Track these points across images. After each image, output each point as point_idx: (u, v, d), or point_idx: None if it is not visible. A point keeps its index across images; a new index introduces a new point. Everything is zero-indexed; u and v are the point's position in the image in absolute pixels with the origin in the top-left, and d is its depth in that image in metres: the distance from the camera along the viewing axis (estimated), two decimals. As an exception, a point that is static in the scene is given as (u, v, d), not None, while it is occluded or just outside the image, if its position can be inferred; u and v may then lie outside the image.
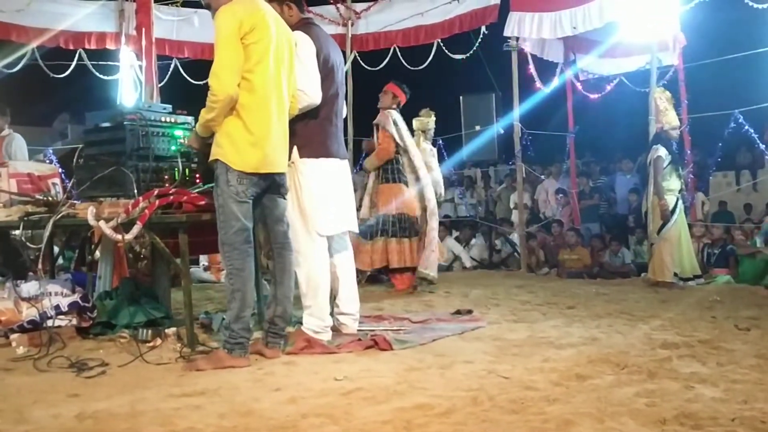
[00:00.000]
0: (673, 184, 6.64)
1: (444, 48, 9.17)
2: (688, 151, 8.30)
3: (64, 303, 4.16)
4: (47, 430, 2.41)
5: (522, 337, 3.99)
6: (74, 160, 4.20)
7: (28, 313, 4.11)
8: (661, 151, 6.62)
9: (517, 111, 8.51)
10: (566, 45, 9.26)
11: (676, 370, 3.11)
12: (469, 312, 4.90)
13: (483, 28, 8.79)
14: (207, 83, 3.36)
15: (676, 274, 6.63)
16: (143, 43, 5.40)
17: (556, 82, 9.29)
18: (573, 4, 7.74)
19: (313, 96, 3.73)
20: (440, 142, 10.15)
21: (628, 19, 7.65)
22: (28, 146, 10.86)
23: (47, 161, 11.29)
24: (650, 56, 7.85)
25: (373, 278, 7.58)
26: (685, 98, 8.18)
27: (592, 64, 9.63)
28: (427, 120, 7.44)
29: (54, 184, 4.85)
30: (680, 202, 6.73)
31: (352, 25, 9.63)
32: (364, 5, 9.63)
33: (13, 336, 4.00)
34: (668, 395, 2.72)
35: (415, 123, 7.36)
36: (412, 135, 6.85)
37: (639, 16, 7.54)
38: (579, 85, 9.53)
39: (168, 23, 9.29)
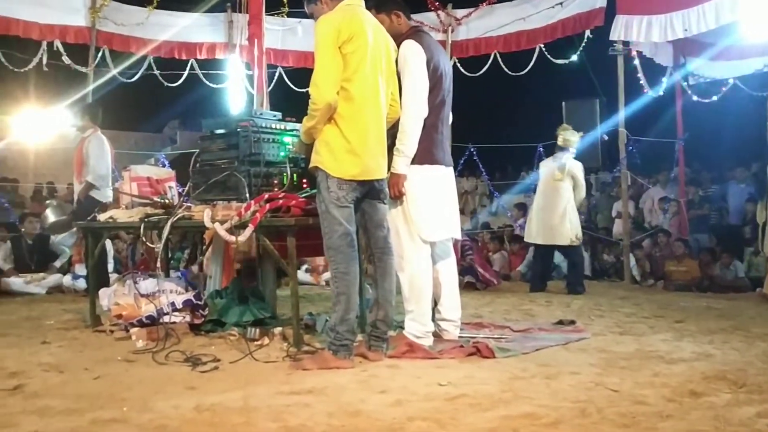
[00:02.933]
0: None
1: (546, 52, 9.02)
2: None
3: (178, 300, 4.39)
4: (170, 419, 2.55)
5: (629, 350, 3.86)
6: (191, 165, 4.42)
7: (147, 309, 4.36)
8: None
9: (623, 117, 8.25)
10: (676, 48, 8.89)
11: (801, 392, 2.93)
12: (572, 322, 4.79)
13: (587, 32, 8.60)
14: (308, 91, 3.47)
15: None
16: (255, 52, 5.63)
17: (664, 87, 8.92)
18: (685, 6, 7.43)
19: (419, 106, 3.76)
20: (540, 148, 10.00)
21: (745, 19, 7.27)
22: (138, 150, 11.51)
23: (160, 165, 11.97)
24: (769, 58, 7.43)
25: (470, 285, 7.59)
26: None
27: (704, 67, 9.18)
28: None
29: (170, 187, 5.13)
30: None
31: (453, 31, 9.64)
32: (464, 11, 9.62)
33: (133, 330, 4.26)
34: (794, 418, 2.56)
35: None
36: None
37: (758, 16, 7.14)
38: (689, 91, 9.11)
39: (274, 33, 9.62)
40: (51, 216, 6.58)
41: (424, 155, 3.83)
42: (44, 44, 8.82)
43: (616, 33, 8.00)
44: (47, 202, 7.63)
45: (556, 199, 7.23)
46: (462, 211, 12.96)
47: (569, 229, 7.20)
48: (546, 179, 7.37)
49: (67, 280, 7.54)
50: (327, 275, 7.52)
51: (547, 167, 7.46)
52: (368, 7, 3.74)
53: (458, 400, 2.79)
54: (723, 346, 3.98)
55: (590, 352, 3.83)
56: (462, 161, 10.96)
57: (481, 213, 12.76)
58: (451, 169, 4.09)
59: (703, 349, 3.85)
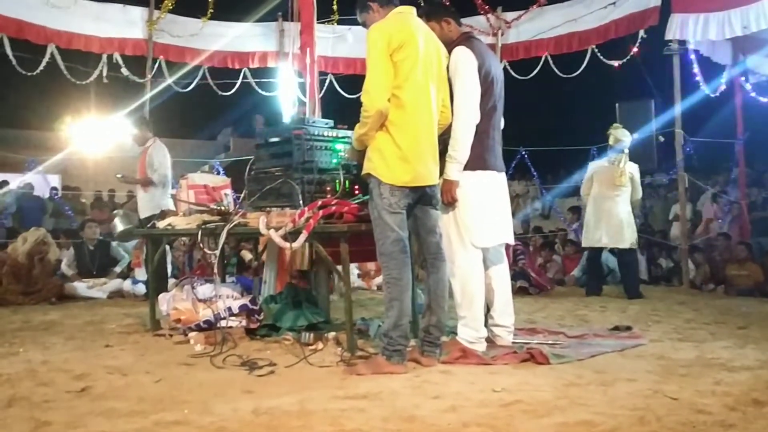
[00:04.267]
0: None
1: (598, 53, 8.88)
2: None
3: (235, 305, 4.49)
4: (229, 422, 2.61)
5: (689, 357, 3.77)
6: (246, 172, 4.51)
7: (204, 313, 4.47)
8: None
9: (679, 117, 8.06)
10: (734, 45, 8.64)
11: None
12: (629, 328, 4.69)
13: (641, 32, 8.43)
14: (360, 97, 3.51)
15: None
16: (307, 61, 5.72)
17: (722, 86, 8.68)
18: (744, 2, 7.22)
19: (472, 113, 3.76)
20: (594, 150, 9.85)
21: (807, 14, 7.02)
22: (194, 158, 11.80)
23: (215, 172, 12.24)
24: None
25: (522, 290, 7.53)
26: None
27: (764, 64, 8.90)
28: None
29: (226, 195, 5.25)
30: None
31: (503, 34, 9.58)
32: (514, 14, 9.55)
33: (192, 334, 4.39)
34: None
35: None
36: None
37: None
38: (749, 88, 8.83)
39: (324, 41, 9.71)
40: (119, 225, 6.83)
41: (476, 161, 3.82)
42: (104, 57, 9.13)
43: (672, 32, 7.82)
44: (114, 212, 7.91)
45: (618, 203, 7.14)
46: (513, 215, 12.87)
47: (630, 233, 7.11)
48: (604, 182, 7.23)
49: (127, 284, 7.79)
50: (379, 280, 7.56)
51: (602, 169, 7.32)
52: (419, 15, 3.77)
53: (513, 407, 2.78)
54: (788, 353, 3.85)
55: (647, 358, 3.75)
56: (513, 164, 10.87)
57: (533, 217, 12.62)
58: (504, 174, 4.07)
59: (768, 357, 3.74)
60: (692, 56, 8.08)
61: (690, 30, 7.66)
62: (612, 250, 8.06)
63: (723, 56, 8.71)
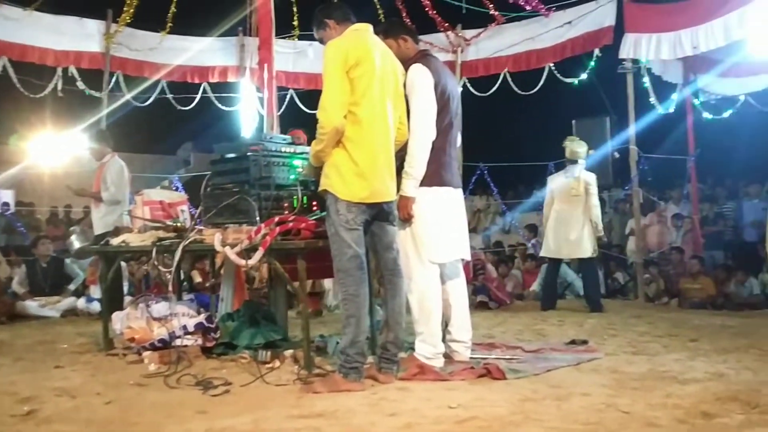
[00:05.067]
0: None
1: (555, 72, 9.05)
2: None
3: (190, 324, 4.41)
4: (180, 444, 2.57)
5: (642, 370, 3.83)
6: (202, 188, 4.46)
7: (159, 332, 4.38)
8: None
9: (633, 134, 8.25)
10: (685, 65, 8.90)
11: (815, 413, 2.89)
12: (585, 342, 4.76)
13: (596, 51, 8.63)
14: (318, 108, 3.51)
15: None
16: (265, 76, 5.71)
17: (674, 104, 8.92)
18: (693, 23, 7.47)
19: (427, 129, 3.79)
20: (551, 166, 10.00)
21: (755, 35, 7.27)
22: (154, 173, 11.62)
23: (173, 188, 12.07)
24: (780, 74, 7.42)
25: (482, 304, 7.58)
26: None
27: (714, 83, 9.19)
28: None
29: (182, 211, 5.19)
30: None
31: (462, 51, 9.70)
32: (474, 32, 9.68)
33: (146, 353, 4.29)
34: (808, 439, 2.54)
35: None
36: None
37: (765, 33, 7.14)
38: (700, 107, 9.10)
39: (285, 56, 9.72)
40: (76, 242, 6.66)
41: (433, 177, 3.85)
42: (59, 70, 8.97)
43: (625, 51, 8.04)
44: (71, 228, 7.72)
45: (575, 213, 7.26)
46: (474, 230, 12.95)
47: (589, 242, 7.23)
48: (561, 194, 7.35)
49: (81, 303, 7.60)
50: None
51: (559, 182, 7.45)
52: (376, 32, 3.80)
53: (468, 423, 2.79)
54: (737, 365, 3.94)
55: (602, 372, 3.80)
56: (473, 180, 10.98)
57: (493, 232, 12.72)
58: (460, 190, 4.10)
59: (717, 369, 3.81)
60: (645, 75, 8.30)
61: (643, 49, 7.88)
62: (569, 263, 8.19)
63: (674, 75, 8.97)
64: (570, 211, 7.27)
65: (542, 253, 7.70)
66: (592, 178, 7.37)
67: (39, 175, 14.93)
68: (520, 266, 9.63)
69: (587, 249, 7.21)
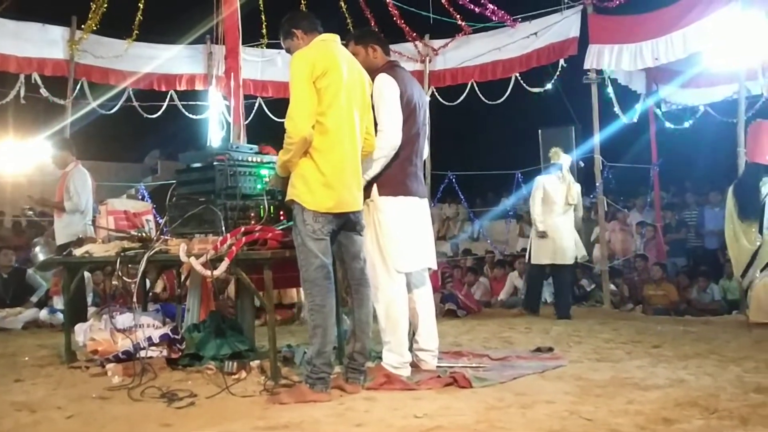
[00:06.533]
0: None
1: (522, 82, 9.16)
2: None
3: (155, 335, 4.36)
4: (142, 458, 2.54)
5: (605, 377, 3.89)
6: (167, 198, 4.42)
7: (123, 344, 4.32)
8: None
9: (598, 143, 8.39)
10: (648, 75, 9.10)
11: (771, 417, 2.97)
12: (550, 350, 4.82)
13: (561, 61, 8.76)
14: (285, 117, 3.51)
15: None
16: (232, 85, 5.69)
17: (637, 114, 9.11)
18: (654, 35, 7.64)
19: (394, 137, 3.82)
20: (518, 175, 10.13)
21: (713, 48, 7.47)
22: (120, 181, 11.45)
23: (139, 196, 11.93)
24: (738, 85, 7.61)
25: (450, 312, 7.62)
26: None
27: (675, 94, 9.42)
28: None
29: (147, 221, 5.14)
30: None
31: (430, 61, 9.77)
32: (441, 42, 9.77)
33: (109, 366, 4.22)
34: (763, 443, 2.60)
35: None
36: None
37: (725, 45, 7.34)
38: (662, 116, 9.30)
39: (253, 64, 9.70)
40: (40, 254, 6.54)
41: (398, 186, 3.88)
42: (22, 77, 8.81)
43: (589, 62, 8.19)
44: (35, 240, 7.57)
45: (565, 220, 7.40)
46: (443, 238, 13.03)
47: (574, 250, 7.42)
48: (556, 199, 7.42)
49: (43, 313, 7.45)
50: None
51: (554, 185, 7.44)
52: (347, 38, 3.81)
53: (433, 432, 2.80)
54: (697, 371, 4.02)
55: (566, 379, 3.85)
56: (441, 189, 11.06)
57: (462, 239, 12.83)
58: (426, 200, 4.14)
59: (678, 375, 3.89)
60: (609, 85, 8.45)
61: (606, 60, 8.04)
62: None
63: (638, 85, 9.16)
64: (560, 216, 7.41)
65: (533, 261, 7.55)
66: (579, 188, 7.54)
67: (1, 184, 14.63)
68: (488, 274, 9.71)
69: (571, 256, 7.37)
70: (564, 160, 7.52)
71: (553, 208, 7.44)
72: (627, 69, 8.13)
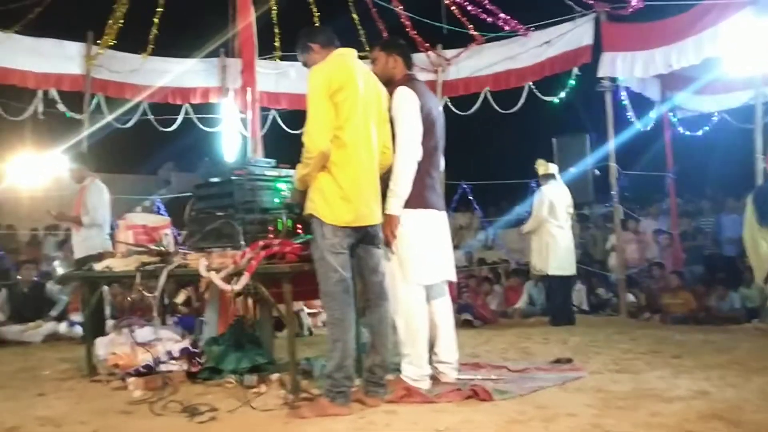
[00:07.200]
0: None
1: (535, 90, 9.16)
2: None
3: (175, 348, 4.41)
4: (167, 475, 2.55)
5: (626, 389, 3.86)
6: (186, 213, 4.46)
7: (143, 357, 4.36)
8: None
9: (613, 151, 8.36)
10: (662, 82, 9.06)
11: (797, 429, 2.94)
12: (569, 361, 4.79)
13: (575, 69, 8.75)
14: (302, 132, 3.54)
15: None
16: (248, 100, 5.73)
17: (652, 121, 9.07)
18: (667, 42, 7.61)
19: (414, 151, 3.83)
20: (533, 184, 10.09)
21: (727, 54, 7.43)
22: (135, 193, 11.53)
23: (155, 208, 12.00)
24: (754, 91, 7.56)
25: (466, 322, 7.61)
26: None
27: (690, 100, 9.37)
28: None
29: (165, 235, 5.17)
30: None
31: (443, 71, 9.78)
32: (454, 52, 9.77)
33: (130, 379, 4.25)
34: (790, 457, 2.58)
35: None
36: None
37: (740, 51, 7.30)
38: (677, 123, 9.26)
39: (266, 76, 9.72)
40: (59, 268, 6.62)
41: (417, 199, 3.88)
42: (40, 93, 8.92)
43: (603, 70, 8.17)
44: (54, 254, 7.65)
45: (569, 230, 7.58)
46: (457, 246, 13.01)
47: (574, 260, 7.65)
48: (560, 208, 7.48)
49: (63, 327, 7.52)
50: (324, 316, 7.51)
51: (558, 195, 7.58)
52: (372, 45, 3.82)
53: (456, 447, 2.80)
54: (720, 382, 3.98)
55: (587, 391, 3.83)
56: (455, 198, 11.04)
57: (476, 249, 12.79)
58: (444, 212, 4.14)
59: (700, 386, 3.85)
60: (623, 93, 8.43)
61: (619, 68, 8.02)
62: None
63: (652, 92, 9.13)
64: (567, 228, 7.57)
65: (555, 272, 7.54)
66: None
67: (18, 198, 14.78)
68: (503, 283, 9.68)
69: (574, 266, 7.58)
70: (554, 169, 7.68)
71: (559, 218, 7.49)
72: (640, 76, 8.11)
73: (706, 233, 9.77)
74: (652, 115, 9.08)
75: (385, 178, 3.81)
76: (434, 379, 4.01)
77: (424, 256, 3.90)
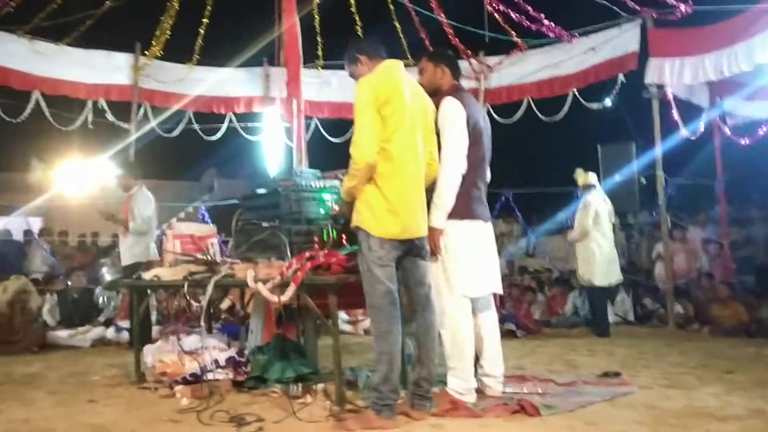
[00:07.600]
0: None
1: (579, 97, 9.03)
2: None
3: (221, 357, 4.45)
4: (218, 487, 2.57)
5: (678, 406, 3.76)
6: (233, 224, 4.51)
7: (190, 366, 4.42)
8: None
9: (660, 159, 8.20)
10: (711, 89, 8.84)
11: None
12: (617, 374, 4.69)
13: (620, 76, 8.61)
14: (344, 140, 3.56)
15: None
16: (294, 111, 5.77)
17: (701, 128, 8.85)
18: (717, 47, 7.42)
19: (459, 163, 3.81)
20: (578, 191, 9.95)
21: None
22: (179, 200, 11.71)
23: (198, 215, 12.19)
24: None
25: (509, 333, 7.51)
26: None
27: (741, 106, 9.11)
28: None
29: (212, 244, 5.23)
30: None
31: (485, 78, 9.73)
32: (496, 59, 9.72)
33: (178, 388, 4.31)
34: None
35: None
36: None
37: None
38: (727, 130, 9.02)
39: (308, 85, 9.77)
40: (107, 275, 6.78)
41: (464, 211, 3.86)
42: (90, 103, 9.17)
43: (650, 76, 8.02)
44: (102, 260, 7.84)
45: (611, 239, 7.55)
46: (498, 254, 12.85)
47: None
48: (603, 218, 7.46)
49: (110, 332, 7.67)
50: (366, 324, 7.53)
51: (601, 205, 7.56)
52: (421, 54, 3.81)
53: (505, 464, 2.76)
54: (776, 400, 3.86)
55: (638, 408, 3.74)
56: (498, 206, 10.95)
57: (517, 256, 12.64)
58: (490, 224, 4.10)
59: (755, 405, 3.74)
60: (670, 99, 8.25)
61: (666, 74, 7.85)
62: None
63: (701, 99, 8.91)
64: (610, 237, 7.56)
65: (600, 283, 7.50)
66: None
67: (66, 204, 15.15)
68: (546, 292, 9.55)
69: (618, 274, 7.55)
70: (593, 178, 7.62)
71: (603, 227, 7.45)
72: (688, 82, 7.92)
73: (758, 243, 9.48)
74: (701, 121, 8.84)
75: (431, 190, 3.79)
76: (479, 392, 3.97)
77: (471, 269, 3.87)
